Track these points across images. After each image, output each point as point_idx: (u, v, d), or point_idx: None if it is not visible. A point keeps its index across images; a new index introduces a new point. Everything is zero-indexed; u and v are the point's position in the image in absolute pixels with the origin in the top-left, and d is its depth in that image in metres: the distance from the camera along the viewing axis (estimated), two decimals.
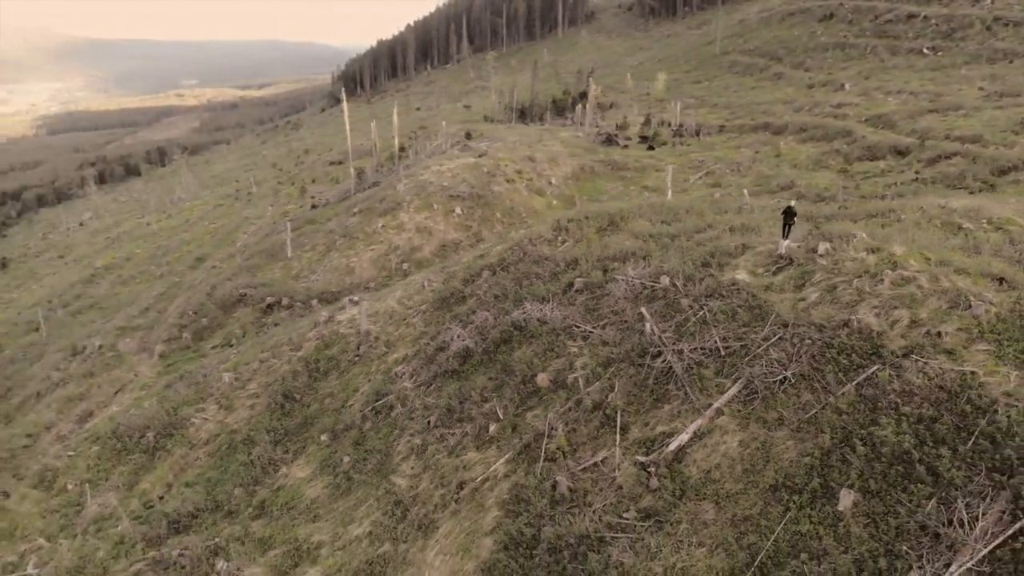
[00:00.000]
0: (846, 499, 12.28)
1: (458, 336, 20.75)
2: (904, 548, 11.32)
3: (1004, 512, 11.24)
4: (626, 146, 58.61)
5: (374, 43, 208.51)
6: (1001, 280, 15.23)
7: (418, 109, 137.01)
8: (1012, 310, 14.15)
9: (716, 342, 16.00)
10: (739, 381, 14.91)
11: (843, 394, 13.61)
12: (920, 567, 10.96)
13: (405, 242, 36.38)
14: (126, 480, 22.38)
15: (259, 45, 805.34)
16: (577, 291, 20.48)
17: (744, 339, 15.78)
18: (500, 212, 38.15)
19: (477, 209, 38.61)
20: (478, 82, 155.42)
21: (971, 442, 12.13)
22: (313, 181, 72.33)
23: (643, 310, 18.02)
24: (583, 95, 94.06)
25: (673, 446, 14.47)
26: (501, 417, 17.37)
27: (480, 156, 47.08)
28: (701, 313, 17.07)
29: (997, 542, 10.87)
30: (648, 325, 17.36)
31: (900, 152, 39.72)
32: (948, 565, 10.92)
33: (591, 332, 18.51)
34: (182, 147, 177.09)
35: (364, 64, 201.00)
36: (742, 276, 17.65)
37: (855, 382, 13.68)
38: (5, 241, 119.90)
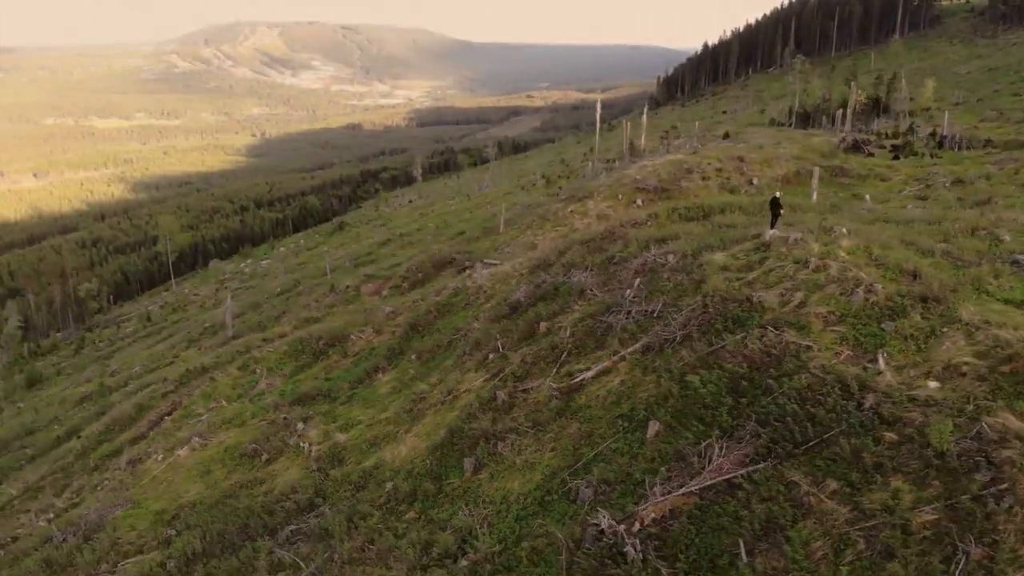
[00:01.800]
0: (652, 429, 14.60)
1: (518, 293, 24.78)
2: (663, 468, 13.57)
3: (748, 456, 12.95)
4: (871, 154, 55.58)
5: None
6: (915, 276, 15.64)
7: (724, 112, 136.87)
8: (886, 300, 14.86)
9: (657, 307, 18.35)
10: (648, 336, 17.31)
11: (701, 352, 15.59)
12: (666, 481, 13.20)
13: (584, 226, 40.25)
14: (292, 371, 29.88)
15: (610, 49, 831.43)
16: (612, 263, 23.33)
17: (675, 305, 17.95)
18: (682, 205, 40.21)
19: (659, 201, 41.10)
20: (796, 86, 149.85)
21: (755, 396, 13.76)
22: (569, 176, 78.38)
23: (637, 281, 20.62)
24: (876, 100, 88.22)
25: (578, 379, 17.44)
26: (500, 350, 21.24)
27: (692, 154, 48.99)
28: (667, 284, 19.35)
29: (724, 477, 12.70)
30: (628, 292, 20.04)
31: None
32: (682, 485, 13.03)
33: (595, 295, 21.50)
34: (497, 143, 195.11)
35: (686, 69, 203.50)
36: (718, 257, 19.44)
37: (713, 345, 15.57)
38: (355, 211, 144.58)
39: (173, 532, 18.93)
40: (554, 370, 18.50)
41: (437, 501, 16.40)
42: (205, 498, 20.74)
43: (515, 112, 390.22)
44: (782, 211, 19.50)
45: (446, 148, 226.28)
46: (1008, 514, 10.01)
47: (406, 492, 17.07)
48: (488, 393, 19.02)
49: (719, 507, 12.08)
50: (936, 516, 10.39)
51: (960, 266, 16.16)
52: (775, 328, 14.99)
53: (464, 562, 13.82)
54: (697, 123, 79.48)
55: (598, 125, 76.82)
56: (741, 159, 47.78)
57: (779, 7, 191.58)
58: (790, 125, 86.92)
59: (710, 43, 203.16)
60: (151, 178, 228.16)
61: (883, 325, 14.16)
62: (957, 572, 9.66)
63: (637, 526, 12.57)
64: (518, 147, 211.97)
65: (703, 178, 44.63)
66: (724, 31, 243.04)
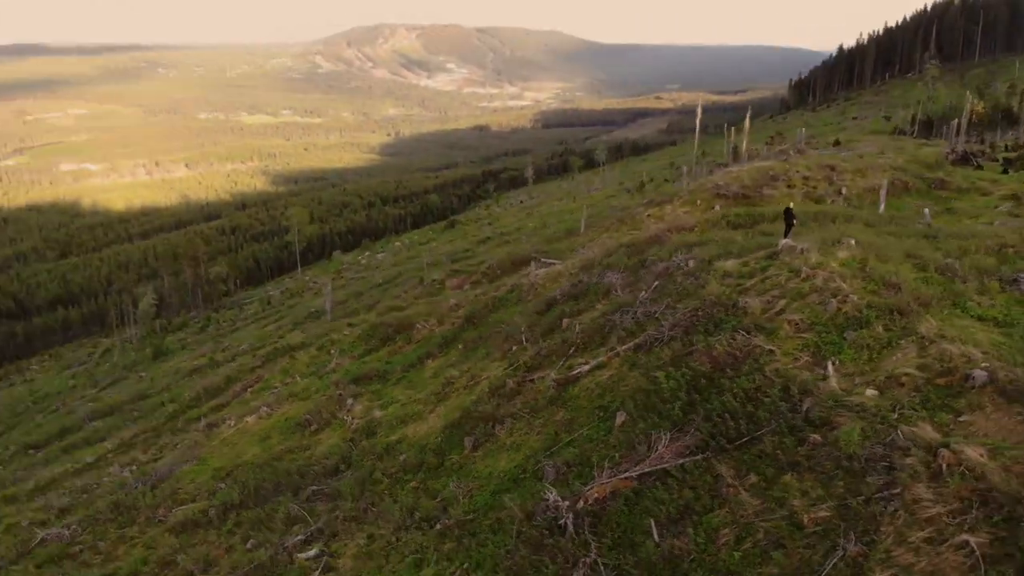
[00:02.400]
0: (619, 419, 15.54)
1: (557, 291, 25.96)
2: (617, 454, 14.53)
3: (688, 447, 13.73)
4: (980, 167, 52.39)
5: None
6: (897, 288, 15.75)
7: (853, 119, 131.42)
8: (855, 310, 15.14)
9: (660, 308, 19.14)
10: (641, 336, 18.16)
11: (678, 352, 16.35)
12: (615, 466, 14.18)
13: (656, 230, 40.73)
14: (360, 354, 32.25)
15: (745, 50, 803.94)
16: (643, 266, 24.09)
17: (674, 307, 18.68)
18: (733, 212, 39.93)
19: (738, 207, 40.90)
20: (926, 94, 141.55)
21: (708, 394, 14.47)
22: (665, 180, 77.94)
23: (656, 283, 21.39)
24: (1006, 111, 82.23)
25: (576, 372, 18.52)
26: (524, 342, 22.53)
27: (782, 161, 48.10)
28: (676, 287, 20.05)
29: (661, 466, 13.53)
30: (643, 293, 20.86)
31: None
32: (626, 470, 13.96)
33: (618, 295, 22.39)
34: (616, 146, 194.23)
35: (819, 73, 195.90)
36: (728, 264, 19.94)
37: (689, 346, 16.29)
38: (470, 210, 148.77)
39: (222, 486, 21.43)
40: (560, 363, 19.64)
41: (436, 473, 17.93)
42: (257, 459, 23.20)
43: (642, 114, 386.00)
44: (796, 221, 19.73)
45: (565, 150, 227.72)
46: (892, 517, 10.45)
47: (413, 463, 18.71)
48: (499, 381, 20.38)
49: (650, 492, 12.96)
50: (828, 514, 10.93)
51: (951, 281, 16.03)
52: (746, 332, 15.55)
53: (438, 526, 15.29)
54: (802, 129, 77.31)
55: (697, 129, 75.95)
56: (832, 168, 46.54)
57: (920, 10, 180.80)
58: (912, 134, 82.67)
59: (845, 46, 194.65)
60: (291, 172, 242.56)
61: (845, 334, 14.47)
62: (831, 565, 10.23)
63: (581, 504, 13.62)
64: (638, 149, 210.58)
65: (788, 186, 43.88)
66: (860, 34, 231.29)
